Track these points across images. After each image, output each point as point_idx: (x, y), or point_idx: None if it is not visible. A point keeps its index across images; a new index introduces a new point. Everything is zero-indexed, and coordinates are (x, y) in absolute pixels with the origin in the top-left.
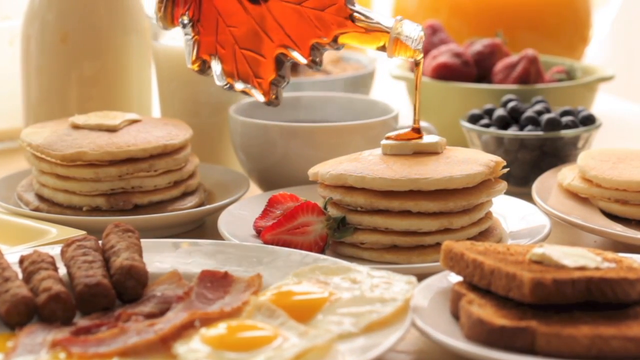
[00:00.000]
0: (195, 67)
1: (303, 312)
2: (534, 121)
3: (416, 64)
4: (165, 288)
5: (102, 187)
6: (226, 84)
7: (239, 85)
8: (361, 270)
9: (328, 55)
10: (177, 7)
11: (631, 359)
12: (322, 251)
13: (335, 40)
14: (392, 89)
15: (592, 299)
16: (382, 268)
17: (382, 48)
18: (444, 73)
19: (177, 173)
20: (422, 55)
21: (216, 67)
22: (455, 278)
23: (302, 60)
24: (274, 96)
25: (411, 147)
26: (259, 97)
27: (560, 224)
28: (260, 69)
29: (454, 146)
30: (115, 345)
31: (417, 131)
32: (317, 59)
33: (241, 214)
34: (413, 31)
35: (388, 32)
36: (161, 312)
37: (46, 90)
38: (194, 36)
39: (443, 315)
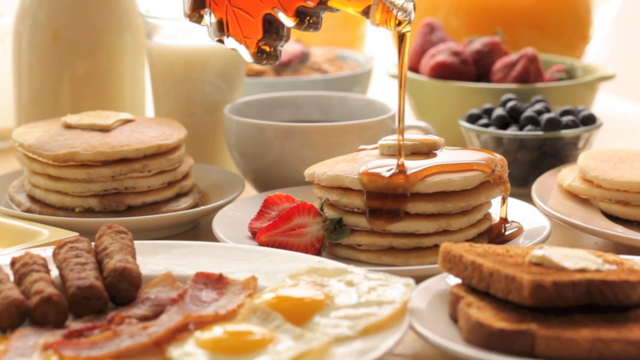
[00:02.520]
0: (191, 18)
1: (299, 315)
2: (533, 121)
3: (399, 37)
4: (159, 290)
5: (95, 188)
6: (217, 40)
7: (229, 42)
8: (358, 273)
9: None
10: None
11: None
12: (318, 253)
13: (322, 2)
14: (389, 88)
15: (593, 301)
16: (379, 270)
17: (367, 13)
18: (443, 72)
19: (171, 174)
20: (408, 29)
21: (209, 21)
22: (453, 280)
23: (288, 23)
24: (264, 59)
25: (409, 148)
26: (246, 56)
27: (560, 225)
28: (249, 28)
29: (453, 146)
30: (108, 349)
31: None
32: (309, 22)
33: (236, 215)
34: None
35: None
36: (155, 315)
37: (38, 89)
38: None
39: (441, 318)
